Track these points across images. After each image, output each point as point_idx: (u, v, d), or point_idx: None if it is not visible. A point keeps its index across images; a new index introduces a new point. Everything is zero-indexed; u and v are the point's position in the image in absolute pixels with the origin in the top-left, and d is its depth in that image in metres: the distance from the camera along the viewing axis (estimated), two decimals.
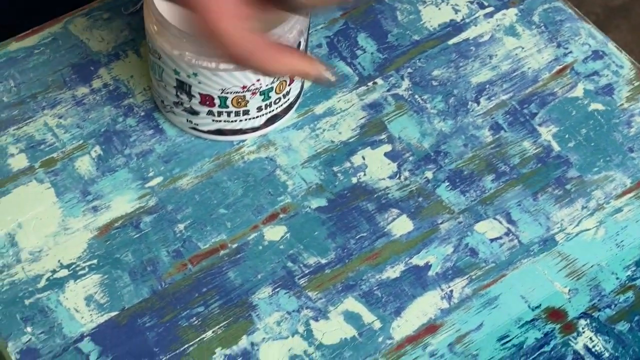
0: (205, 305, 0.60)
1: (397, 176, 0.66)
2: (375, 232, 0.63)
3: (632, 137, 0.67)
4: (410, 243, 0.63)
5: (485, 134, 0.68)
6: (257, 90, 0.63)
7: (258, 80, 0.62)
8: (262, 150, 0.67)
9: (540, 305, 0.60)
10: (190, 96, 0.63)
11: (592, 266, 0.61)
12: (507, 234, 0.63)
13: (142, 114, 0.68)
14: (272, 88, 0.63)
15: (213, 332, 0.59)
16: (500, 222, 0.64)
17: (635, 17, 1.69)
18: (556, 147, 0.67)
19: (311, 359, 0.58)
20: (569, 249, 0.62)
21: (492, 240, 0.63)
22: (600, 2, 1.71)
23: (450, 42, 0.72)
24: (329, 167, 0.66)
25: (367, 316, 0.60)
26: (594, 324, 0.59)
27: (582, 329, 0.59)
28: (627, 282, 0.61)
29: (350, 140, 0.67)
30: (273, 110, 0.66)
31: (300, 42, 0.63)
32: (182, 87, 0.63)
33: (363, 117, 0.69)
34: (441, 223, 0.64)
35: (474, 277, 0.61)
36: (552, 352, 0.58)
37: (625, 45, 1.66)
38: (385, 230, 0.63)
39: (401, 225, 0.63)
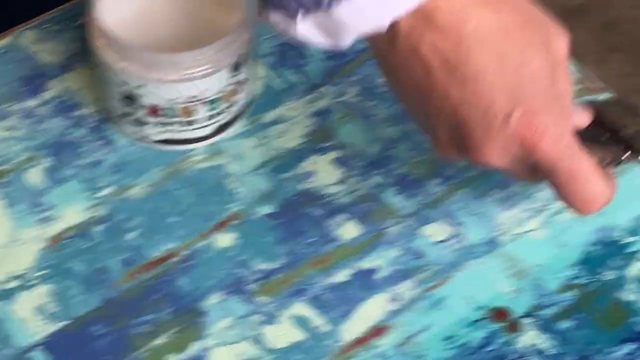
0: (156, 312, 0.60)
1: (345, 182, 0.67)
2: (324, 237, 0.64)
3: None
4: (358, 247, 0.64)
5: None
6: (204, 100, 0.64)
7: (204, 90, 0.63)
8: (212, 159, 0.68)
9: (485, 305, 0.61)
10: (138, 107, 0.64)
11: (536, 266, 0.63)
12: (453, 237, 0.64)
13: (93, 124, 0.68)
14: (219, 97, 0.64)
15: (164, 339, 0.59)
16: (446, 225, 0.65)
17: (593, 18, 1.71)
18: None
19: None
20: (513, 249, 0.64)
21: (438, 242, 0.64)
22: (558, 3, 1.73)
23: None
24: (278, 174, 0.67)
25: (316, 320, 0.61)
26: (537, 323, 0.60)
27: (526, 327, 0.60)
28: (569, 281, 0.62)
29: (299, 147, 0.69)
30: (221, 119, 0.67)
31: (244, 53, 0.64)
32: (130, 98, 0.64)
33: (312, 124, 0.70)
34: (388, 227, 0.65)
35: (420, 279, 0.62)
36: (497, 351, 0.59)
37: (582, 45, 1.68)
38: (334, 235, 0.64)
39: (349, 230, 0.65)
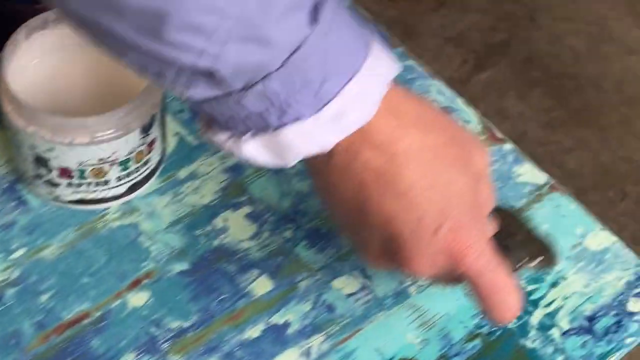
0: None
1: (258, 237, 0.68)
2: (237, 293, 0.65)
3: None
4: (271, 302, 0.65)
5: None
6: (114, 162, 0.65)
7: (114, 152, 0.64)
8: (126, 217, 0.68)
9: (393, 357, 0.63)
10: (49, 169, 0.65)
11: (442, 316, 0.65)
12: (362, 289, 0.66)
13: (5, 185, 0.69)
14: (130, 158, 0.65)
15: None
16: (357, 278, 0.66)
17: (514, 52, 1.75)
18: None
19: None
20: (420, 300, 0.65)
21: (348, 295, 0.66)
22: (480, 40, 1.78)
23: None
24: (191, 231, 0.68)
25: None
26: None
27: None
28: (474, 329, 0.64)
29: (212, 203, 0.70)
30: (134, 179, 0.68)
31: (154, 114, 0.65)
32: (40, 161, 0.64)
33: (225, 180, 0.71)
34: (300, 281, 0.66)
35: (331, 332, 0.64)
36: None
37: (504, 80, 1.72)
38: (246, 290, 0.66)
39: (261, 285, 0.66)
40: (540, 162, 1.47)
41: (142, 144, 0.66)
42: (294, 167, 0.71)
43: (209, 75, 0.48)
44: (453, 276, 0.56)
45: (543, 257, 0.61)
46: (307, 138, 0.51)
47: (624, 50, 1.75)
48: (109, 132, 0.63)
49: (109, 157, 0.64)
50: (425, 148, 0.53)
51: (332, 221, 0.57)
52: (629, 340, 0.64)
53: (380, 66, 0.52)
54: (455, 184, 0.54)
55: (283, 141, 0.52)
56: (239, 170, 0.71)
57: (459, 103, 0.76)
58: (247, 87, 0.49)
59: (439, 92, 0.77)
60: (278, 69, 0.48)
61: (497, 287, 0.55)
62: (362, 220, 0.55)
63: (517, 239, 0.59)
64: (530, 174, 0.72)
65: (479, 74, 1.72)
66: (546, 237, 0.62)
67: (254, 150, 0.53)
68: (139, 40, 0.47)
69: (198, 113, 0.54)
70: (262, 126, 0.51)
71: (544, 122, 1.66)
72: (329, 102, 0.50)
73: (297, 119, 0.51)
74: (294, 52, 0.48)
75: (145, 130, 0.65)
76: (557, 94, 1.70)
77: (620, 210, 1.55)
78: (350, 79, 0.50)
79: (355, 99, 0.51)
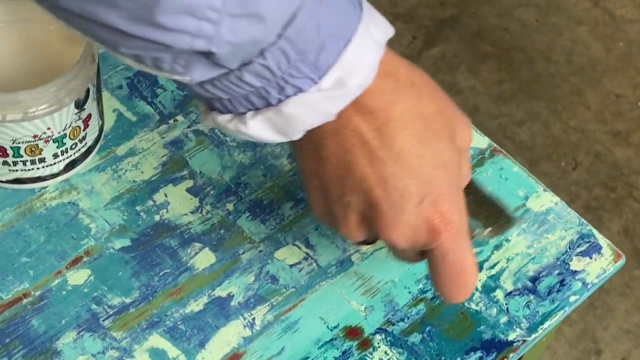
0: (8, 356, 0.60)
1: (199, 210, 0.67)
2: (179, 267, 0.65)
3: None
4: (213, 275, 0.65)
5: (284, 163, 0.70)
6: (49, 138, 0.64)
7: (49, 128, 0.63)
8: (64, 196, 0.67)
9: (338, 324, 0.63)
10: None
11: (386, 283, 0.65)
12: (305, 259, 0.66)
13: None
14: (65, 135, 0.64)
15: None
16: (299, 248, 0.66)
17: (463, 27, 1.75)
18: None
19: None
20: (364, 268, 0.65)
21: (291, 265, 0.65)
22: (430, 16, 1.78)
23: None
24: (132, 207, 0.67)
25: (172, 351, 0.61)
26: (388, 338, 0.62)
27: (378, 343, 0.62)
28: (418, 295, 0.64)
29: (153, 179, 0.69)
30: (71, 156, 0.67)
31: (88, 88, 0.64)
32: None
33: (165, 155, 0.70)
34: (242, 253, 0.66)
35: (274, 303, 0.63)
36: None
37: (455, 55, 1.72)
38: (188, 264, 0.65)
39: (204, 259, 0.65)
40: (492, 135, 1.48)
41: (78, 120, 0.64)
42: (233, 139, 0.70)
43: (206, 57, 0.47)
44: (419, 252, 0.56)
45: (493, 226, 0.61)
46: (309, 110, 0.50)
47: (573, 21, 1.76)
48: (41, 107, 0.62)
49: (43, 134, 0.63)
50: (418, 115, 0.52)
51: (307, 198, 0.56)
52: (572, 299, 0.65)
53: (374, 29, 0.51)
54: (443, 155, 0.53)
55: (286, 115, 0.51)
56: (178, 144, 0.71)
57: None
58: (244, 65, 0.48)
59: None
60: (273, 43, 0.47)
61: (462, 267, 0.55)
62: (344, 187, 0.54)
63: (469, 207, 0.58)
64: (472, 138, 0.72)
65: (429, 49, 1.72)
66: (497, 200, 0.62)
67: (258, 127, 0.52)
68: (133, 29, 0.45)
69: (197, 97, 0.53)
70: (263, 102, 0.51)
71: (495, 95, 1.66)
72: (327, 71, 0.49)
73: (297, 91, 0.50)
74: (288, 24, 0.47)
75: (80, 105, 0.64)
76: (508, 67, 1.71)
77: (572, 179, 1.56)
78: (346, 45, 0.49)
79: (354, 65, 0.50)
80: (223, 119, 0.53)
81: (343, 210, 0.55)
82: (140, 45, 0.47)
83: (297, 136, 0.52)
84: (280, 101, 0.50)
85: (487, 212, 0.61)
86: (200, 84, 0.50)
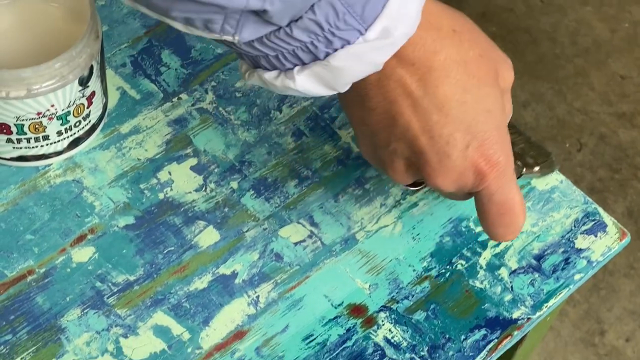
0: (13, 332, 0.60)
1: (203, 188, 0.67)
2: (183, 245, 0.65)
3: None
4: (217, 253, 0.64)
5: (288, 141, 0.70)
6: (53, 116, 0.64)
7: (52, 105, 0.63)
8: (68, 173, 0.67)
9: (342, 302, 0.63)
10: None
11: (390, 260, 0.64)
12: (310, 237, 0.65)
13: None
14: (69, 112, 0.64)
15: (21, 359, 0.59)
16: (304, 226, 0.66)
17: (469, 8, 1.75)
18: (355, 148, 0.70)
19: None
20: (368, 246, 0.65)
21: (296, 243, 0.65)
22: None
23: None
24: (136, 185, 0.67)
25: (176, 328, 0.61)
26: (392, 316, 0.62)
27: (382, 321, 0.62)
28: (423, 273, 0.64)
29: (157, 157, 0.69)
30: (75, 133, 0.66)
31: (92, 65, 0.64)
32: None
33: (169, 133, 0.70)
34: (247, 231, 0.66)
35: (279, 281, 0.63)
36: (354, 347, 0.61)
37: None
38: (192, 242, 0.65)
39: (208, 237, 0.65)
40: None
41: (82, 97, 0.64)
42: (238, 117, 0.70)
43: (258, 15, 0.48)
44: (467, 192, 0.57)
45: (545, 161, 0.62)
46: (357, 61, 0.51)
47: (577, 2, 1.75)
48: (45, 84, 0.61)
49: (47, 111, 0.63)
50: (460, 62, 0.53)
51: (356, 143, 0.57)
52: (577, 277, 0.64)
53: None
54: (486, 100, 0.54)
55: (334, 68, 0.51)
56: (182, 123, 0.70)
57: None
58: (294, 21, 0.49)
59: None
60: None
61: (510, 206, 0.56)
62: (390, 135, 0.55)
63: (518, 146, 0.58)
64: None
65: None
66: (543, 145, 0.63)
67: (306, 81, 0.53)
68: None
69: (241, 56, 0.54)
70: (310, 57, 0.52)
71: None
72: (373, 22, 0.50)
73: (344, 44, 0.51)
74: None
75: (84, 82, 0.64)
76: (512, 48, 1.70)
77: (577, 161, 1.56)
78: None
79: (398, 14, 0.50)
80: (270, 75, 0.53)
81: (390, 157, 0.56)
82: (193, 8, 0.47)
83: (344, 89, 0.53)
84: (327, 55, 0.51)
85: (535, 152, 0.62)
86: (249, 43, 0.51)
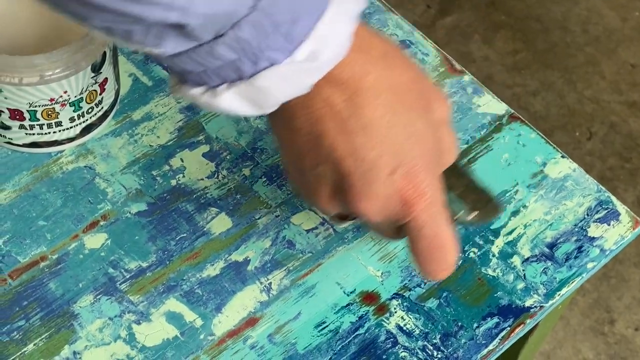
0: (26, 318, 0.60)
1: (216, 175, 0.67)
2: (195, 232, 0.65)
3: None
4: (230, 240, 0.64)
5: None
6: (66, 102, 0.64)
7: (65, 92, 0.63)
8: (81, 160, 0.67)
9: (355, 289, 0.63)
10: (0, 112, 0.63)
11: (402, 248, 0.64)
12: (322, 224, 0.65)
13: None
14: (81, 98, 0.64)
15: (34, 344, 0.59)
16: (316, 213, 0.66)
17: None
18: None
19: None
20: None
21: (308, 230, 0.65)
22: None
23: None
24: (148, 172, 0.67)
25: (189, 315, 0.61)
26: (405, 304, 0.62)
27: (394, 309, 0.62)
28: None
29: (169, 144, 0.69)
30: (87, 120, 0.66)
31: (104, 52, 0.63)
32: None
33: (181, 120, 0.70)
34: (259, 218, 0.65)
35: (291, 268, 0.63)
36: (367, 334, 0.61)
37: (469, 24, 1.71)
38: (205, 229, 0.65)
39: (220, 223, 0.65)
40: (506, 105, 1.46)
41: (94, 84, 0.64)
42: None
43: (179, 29, 0.46)
44: (396, 226, 0.54)
45: (480, 210, 0.58)
46: (283, 82, 0.49)
47: None
48: (58, 70, 0.61)
49: (60, 97, 0.63)
50: (389, 86, 0.51)
51: (282, 165, 0.55)
52: (590, 265, 0.64)
53: (348, 1, 0.50)
54: (414, 126, 0.52)
55: (260, 88, 0.49)
56: (194, 109, 0.70)
57: (417, 36, 0.75)
58: (217, 37, 0.47)
59: (397, 25, 0.76)
60: (247, 15, 0.46)
61: (441, 242, 0.53)
62: (315, 158, 0.53)
63: (456, 190, 0.57)
64: (489, 104, 0.72)
65: (443, 18, 1.71)
66: (487, 188, 0.60)
67: (232, 100, 0.50)
68: (104, 1, 0.45)
69: (168, 69, 0.52)
70: (236, 75, 0.50)
71: (510, 65, 1.65)
72: (301, 43, 0.48)
73: (271, 64, 0.49)
74: None
75: (96, 69, 0.64)
76: (522, 36, 1.69)
77: (586, 150, 1.56)
78: (320, 17, 0.48)
79: (327, 37, 0.49)
80: (195, 92, 0.51)
81: (317, 181, 0.54)
82: (111, 18, 0.45)
83: (270, 109, 0.51)
84: (253, 74, 0.49)
85: (475, 197, 0.59)
86: (173, 57, 0.48)
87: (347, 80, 0.51)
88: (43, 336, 0.60)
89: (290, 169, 0.56)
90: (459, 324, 0.61)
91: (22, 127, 0.64)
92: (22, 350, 0.59)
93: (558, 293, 0.63)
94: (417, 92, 0.53)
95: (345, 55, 0.50)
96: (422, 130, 0.52)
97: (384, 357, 0.60)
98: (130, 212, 0.65)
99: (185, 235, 0.64)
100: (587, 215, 0.66)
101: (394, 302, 0.62)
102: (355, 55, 0.51)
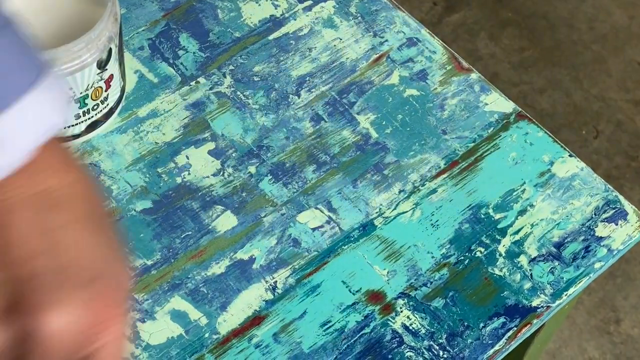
0: None
1: (221, 173, 0.67)
2: (200, 229, 0.64)
3: (445, 119, 0.70)
4: (235, 238, 0.64)
5: (306, 126, 0.70)
6: (72, 98, 0.63)
7: (71, 88, 0.62)
8: (86, 157, 0.67)
9: (360, 289, 0.62)
10: None
11: (409, 247, 0.64)
12: (328, 222, 0.65)
13: None
14: (87, 95, 0.64)
15: None
16: (322, 211, 0.66)
17: None
18: (374, 134, 0.69)
19: None
20: (387, 232, 0.65)
21: (314, 229, 0.65)
22: None
23: (271, 37, 0.74)
24: (153, 169, 0.67)
25: (194, 313, 0.61)
26: (411, 303, 0.62)
27: (400, 308, 0.61)
28: (441, 260, 0.64)
29: (174, 141, 0.68)
30: (93, 117, 0.66)
31: (110, 48, 0.63)
32: None
33: (186, 117, 0.70)
34: (264, 216, 0.65)
35: (297, 266, 0.63)
36: (372, 333, 0.60)
37: (475, 22, 1.70)
38: (210, 227, 0.64)
39: (225, 221, 0.65)
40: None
41: (100, 80, 0.64)
42: (256, 101, 0.70)
43: None
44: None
45: None
46: None
47: None
48: (64, 66, 0.61)
49: None
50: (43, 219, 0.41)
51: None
52: (597, 265, 0.64)
53: (36, 114, 0.41)
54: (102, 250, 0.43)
55: None
56: (200, 106, 0.70)
57: (424, 33, 0.75)
58: None
59: (404, 23, 0.75)
60: None
61: None
62: None
63: None
64: (497, 102, 0.71)
65: (449, 15, 1.70)
66: None
67: None
68: None
69: None
70: None
71: (516, 63, 1.65)
72: None
73: None
74: None
75: (102, 65, 0.63)
76: (529, 34, 1.69)
77: (593, 148, 1.55)
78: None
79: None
80: None
81: None
82: None
83: None
84: None
85: None
86: None
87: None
88: None
89: None
90: (465, 323, 0.61)
91: None
92: None
93: (565, 293, 0.63)
94: (80, 240, 0.43)
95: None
96: (110, 257, 0.44)
97: (390, 356, 0.60)
98: (135, 210, 0.65)
99: (190, 233, 0.64)
100: (595, 214, 0.66)
101: (400, 301, 0.62)
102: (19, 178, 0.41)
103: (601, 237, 0.65)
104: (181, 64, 0.72)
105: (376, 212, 0.65)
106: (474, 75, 0.73)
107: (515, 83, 1.62)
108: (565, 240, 0.65)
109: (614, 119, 1.58)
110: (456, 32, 1.68)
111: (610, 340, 1.36)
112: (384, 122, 0.70)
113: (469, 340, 0.60)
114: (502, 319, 0.61)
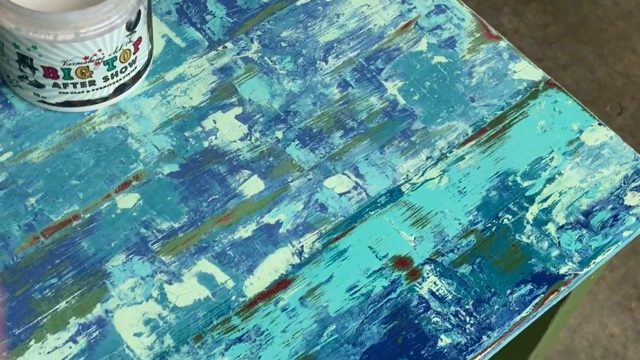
0: (58, 276, 0.60)
1: (248, 138, 0.67)
2: (227, 193, 0.64)
3: (474, 87, 0.70)
4: (262, 202, 0.64)
5: (334, 92, 0.69)
6: (100, 60, 0.63)
7: (99, 50, 0.62)
8: (113, 120, 0.67)
9: (387, 254, 0.62)
10: (34, 69, 0.63)
11: (436, 214, 0.64)
12: (355, 188, 0.65)
13: None
14: (115, 57, 0.64)
15: (67, 302, 0.59)
16: (349, 177, 0.65)
17: None
18: (402, 100, 0.69)
19: (165, 321, 0.59)
20: (414, 198, 0.64)
21: (340, 194, 0.65)
22: None
23: (299, 2, 0.73)
24: (180, 133, 0.67)
25: (220, 276, 0.61)
26: (437, 269, 0.62)
27: (427, 274, 0.61)
28: (468, 226, 0.63)
29: (202, 105, 0.68)
30: (121, 79, 0.66)
31: (139, 10, 0.63)
32: (24, 60, 0.63)
33: (214, 82, 0.69)
34: (291, 181, 0.65)
35: (323, 231, 0.63)
36: (399, 299, 0.60)
37: None
38: (237, 191, 0.64)
39: (252, 186, 0.65)
40: None
41: (128, 42, 0.64)
42: (283, 67, 0.69)
43: None
44: None
45: None
46: None
47: None
48: (93, 28, 0.61)
49: (94, 55, 0.63)
50: None
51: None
52: (626, 234, 0.64)
53: None
54: None
55: None
56: (227, 71, 0.70)
57: (453, 1, 0.74)
58: None
59: None
60: None
61: None
62: None
63: None
64: (526, 70, 0.71)
65: None
66: None
67: None
68: None
69: None
70: None
71: (540, 38, 1.64)
72: None
73: None
74: None
75: (131, 27, 0.63)
76: (553, 9, 1.67)
77: (617, 125, 1.54)
78: None
79: None
80: None
81: None
82: None
83: None
84: None
85: None
86: None
87: None
88: (75, 294, 0.60)
89: None
90: (492, 290, 0.61)
91: (55, 85, 0.64)
92: (55, 308, 0.59)
93: (593, 261, 0.62)
94: None
95: None
96: None
97: (416, 321, 0.60)
98: (162, 173, 0.65)
99: (217, 197, 0.64)
100: (624, 183, 0.65)
101: (427, 267, 0.62)
102: None
103: (630, 206, 0.65)
104: (208, 28, 0.72)
105: (403, 179, 0.65)
106: (503, 43, 0.72)
107: (539, 59, 1.61)
108: (594, 209, 0.64)
109: (638, 95, 1.57)
110: (480, 7, 1.67)
111: (632, 316, 1.35)
112: (411, 89, 0.69)
113: (496, 307, 0.60)
114: (529, 286, 0.61)
